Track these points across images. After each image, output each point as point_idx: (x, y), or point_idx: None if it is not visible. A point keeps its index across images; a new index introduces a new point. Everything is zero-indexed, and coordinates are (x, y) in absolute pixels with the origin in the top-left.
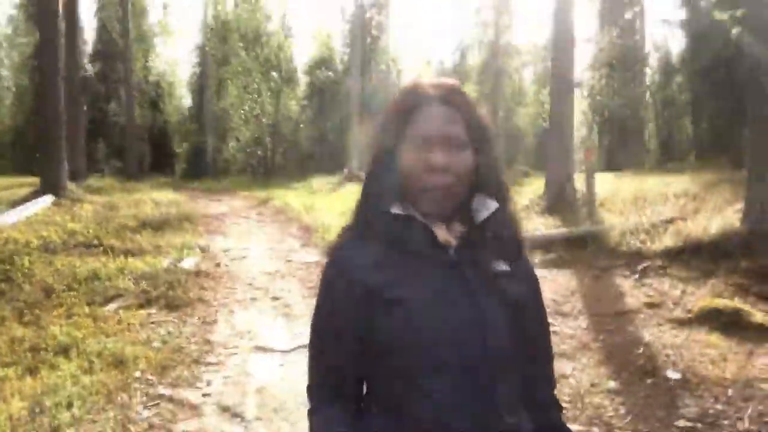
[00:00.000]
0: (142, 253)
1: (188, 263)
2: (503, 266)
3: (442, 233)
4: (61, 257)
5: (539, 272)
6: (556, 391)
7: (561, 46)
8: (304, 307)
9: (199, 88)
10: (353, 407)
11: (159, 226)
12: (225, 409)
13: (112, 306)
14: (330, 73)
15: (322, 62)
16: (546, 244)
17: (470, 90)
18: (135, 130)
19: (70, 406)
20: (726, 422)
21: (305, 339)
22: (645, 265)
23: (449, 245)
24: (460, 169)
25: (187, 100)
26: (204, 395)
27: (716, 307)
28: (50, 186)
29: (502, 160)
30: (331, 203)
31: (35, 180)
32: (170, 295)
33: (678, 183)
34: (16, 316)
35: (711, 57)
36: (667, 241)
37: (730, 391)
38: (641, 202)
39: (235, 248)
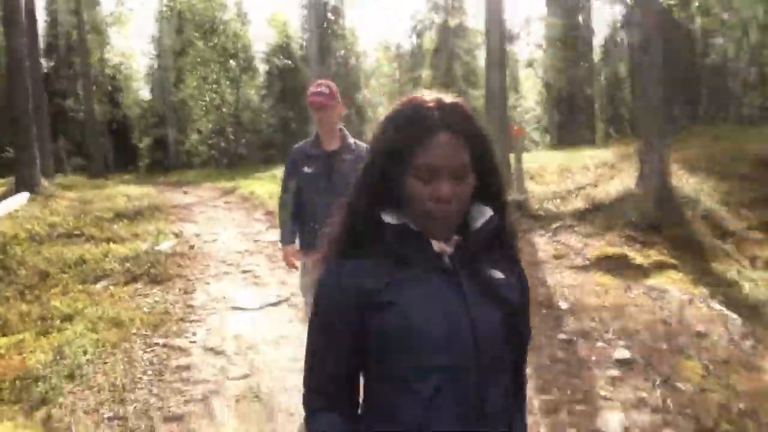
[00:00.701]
0: (121, 240)
1: (165, 246)
2: (498, 273)
3: (436, 243)
4: (48, 246)
5: None
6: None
7: (492, 18)
8: (271, 278)
9: (157, 80)
10: (350, 411)
11: (133, 216)
12: (209, 350)
13: (102, 284)
14: (288, 61)
15: (280, 49)
16: None
17: (425, 74)
18: (95, 125)
19: (85, 352)
20: (595, 334)
21: (272, 299)
22: (558, 224)
23: (444, 253)
24: (464, 197)
25: (144, 92)
26: (191, 342)
27: (608, 254)
28: (25, 184)
29: (501, 168)
30: None
31: (5, 180)
32: (152, 273)
33: (602, 155)
34: (18, 295)
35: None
36: (578, 204)
37: (604, 314)
38: (566, 173)
39: (206, 233)
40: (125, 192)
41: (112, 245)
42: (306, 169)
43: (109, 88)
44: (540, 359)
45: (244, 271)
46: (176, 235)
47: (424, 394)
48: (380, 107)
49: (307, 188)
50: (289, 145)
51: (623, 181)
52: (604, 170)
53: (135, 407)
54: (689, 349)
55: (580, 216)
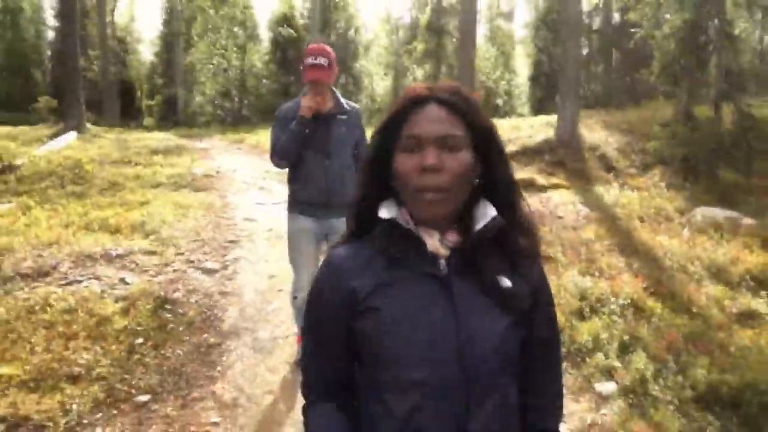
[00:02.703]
0: (161, 166)
1: (198, 171)
2: (504, 280)
3: (431, 243)
4: (108, 167)
5: None
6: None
7: (465, 2)
8: (280, 191)
9: (166, 44)
10: (348, 404)
11: (165, 152)
12: (245, 219)
13: (158, 189)
14: (291, 30)
15: (284, 19)
16: None
17: (419, 47)
18: (109, 84)
19: (163, 219)
20: None
21: (279, 200)
22: None
23: (439, 255)
24: (455, 169)
25: (147, 55)
26: (232, 216)
27: (522, 179)
28: (73, 125)
29: (510, 165)
30: None
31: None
32: (193, 184)
33: (552, 119)
34: (98, 193)
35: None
36: (513, 148)
37: None
38: (515, 130)
39: (225, 166)
40: (151, 137)
41: (156, 168)
42: None
43: (119, 50)
44: None
45: (261, 188)
46: (204, 166)
47: (400, 412)
48: (376, 77)
49: (302, 149)
50: None
51: (548, 133)
52: (545, 128)
53: (207, 236)
54: (550, 223)
55: (512, 156)
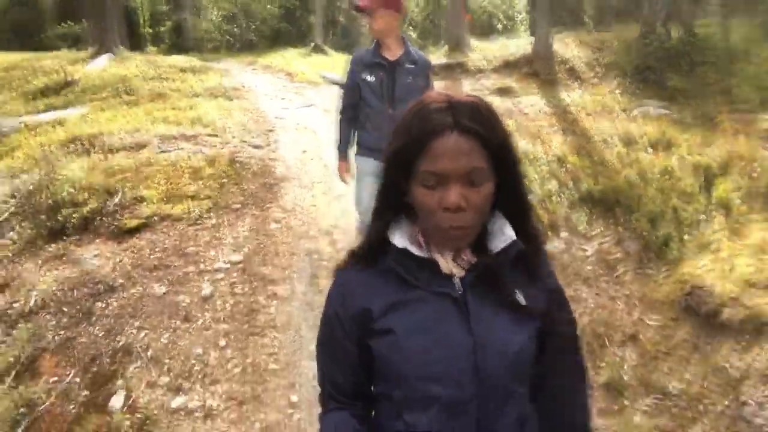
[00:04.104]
0: (195, 82)
1: (226, 84)
2: (519, 297)
3: (445, 263)
4: (150, 82)
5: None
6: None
7: None
8: (295, 99)
9: None
10: (363, 412)
11: (192, 71)
12: (276, 117)
13: (198, 98)
14: None
15: None
16: (434, 69)
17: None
18: (117, 11)
19: (211, 117)
20: None
21: (302, 105)
22: (480, 74)
23: (454, 275)
24: (478, 205)
25: None
26: (266, 116)
27: (500, 86)
28: (106, 48)
29: (524, 179)
30: (303, 64)
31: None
32: (226, 95)
33: None
34: (149, 102)
35: None
36: (497, 63)
37: None
38: (504, 48)
39: (248, 82)
40: (175, 59)
41: (191, 82)
42: (367, 77)
43: None
44: None
45: (282, 98)
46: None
47: (418, 428)
48: None
49: (368, 96)
50: (294, 34)
51: (528, 50)
52: (528, 46)
53: (250, 127)
54: (515, 117)
55: (495, 69)
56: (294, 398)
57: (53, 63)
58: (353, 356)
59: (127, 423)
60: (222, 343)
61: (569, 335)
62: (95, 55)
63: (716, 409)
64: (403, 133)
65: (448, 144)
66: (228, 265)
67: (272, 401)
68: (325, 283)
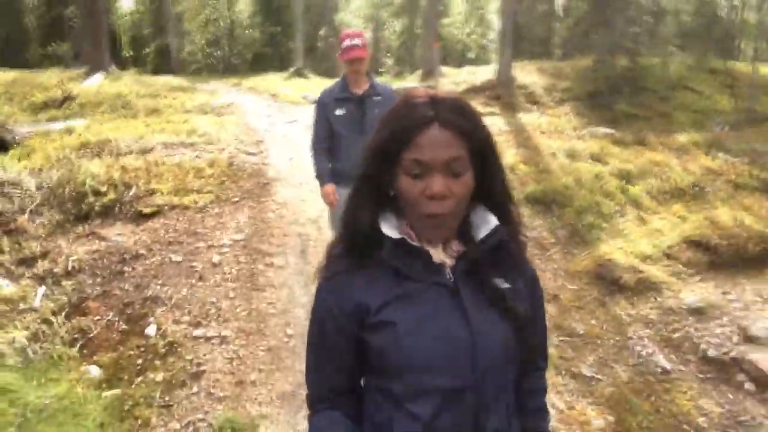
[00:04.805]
0: (185, 99)
1: (215, 102)
2: (504, 283)
3: (436, 254)
4: (144, 99)
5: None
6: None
7: None
8: (280, 116)
9: None
10: (352, 411)
11: (181, 90)
12: (265, 130)
13: (190, 114)
14: None
15: None
16: None
17: (395, 1)
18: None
19: (209, 128)
20: None
21: (287, 120)
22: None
23: (445, 265)
24: (460, 193)
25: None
26: (255, 129)
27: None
28: (98, 67)
29: (505, 170)
30: (285, 86)
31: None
32: (216, 111)
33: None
34: (145, 116)
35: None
36: (462, 87)
37: None
38: (471, 74)
39: (235, 101)
40: (164, 79)
41: (182, 99)
42: (338, 112)
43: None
44: None
45: (268, 115)
46: (218, 99)
47: (421, 417)
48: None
49: (340, 129)
50: (275, 58)
51: (492, 75)
52: (494, 73)
53: (242, 138)
54: None
55: (462, 93)
56: (289, 331)
57: (50, 80)
58: (345, 353)
59: (161, 344)
60: (231, 295)
61: (539, 319)
62: (89, 74)
63: (608, 343)
64: (388, 125)
65: (430, 135)
66: (232, 242)
67: (272, 333)
68: (313, 256)
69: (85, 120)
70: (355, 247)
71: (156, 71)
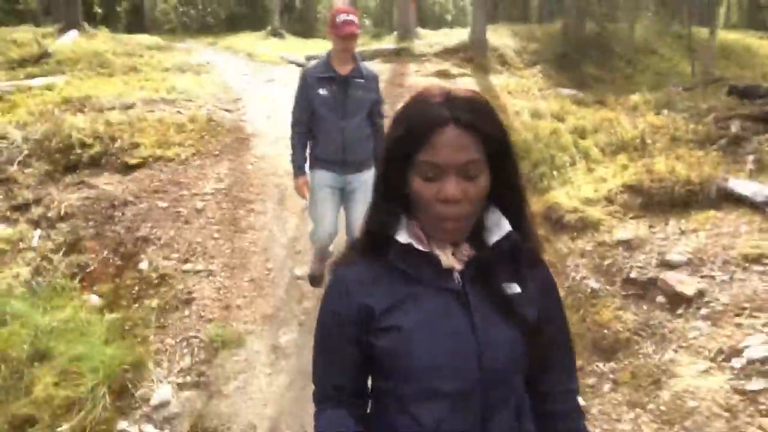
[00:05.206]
0: (162, 58)
1: (193, 60)
2: (515, 288)
3: (445, 258)
4: (122, 57)
5: (379, 66)
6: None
7: None
8: (258, 75)
9: None
10: (358, 410)
11: (158, 48)
12: (242, 89)
13: (168, 72)
14: None
15: None
16: (385, 54)
17: None
18: None
19: (188, 85)
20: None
21: (261, 80)
22: (425, 59)
23: (454, 270)
24: (474, 197)
25: None
26: (232, 87)
27: (440, 70)
28: (72, 24)
29: (520, 171)
30: (262, 46)
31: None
32: (193, 69)
33: None
34: (123, 74)
35: None
36: (438, 48)
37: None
38: (445, 37)
39: (212, 60)
40: (138, 37)
41: (159, 58)
42: (321, 92)
43: None
44: None
45: (244, 74)
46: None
47: (426, 420)
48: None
49: (321, 110)
50: (251, 18)
51: (465, 37)
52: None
53: (220, 96)
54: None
55: (436, 54)
56: (269, 266)
57: (24, 36)
58: (351, 355)
59: (154, 276)
60: (215, 236)
61: (560, 331)
62: (63, 31)
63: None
64: (402, 125)
65: (446, 137)
66: (214, 191)
67: (254, 267)
68: (290, 204)
69: (64, 76)
70: (368, 247)
71: (128, 30)
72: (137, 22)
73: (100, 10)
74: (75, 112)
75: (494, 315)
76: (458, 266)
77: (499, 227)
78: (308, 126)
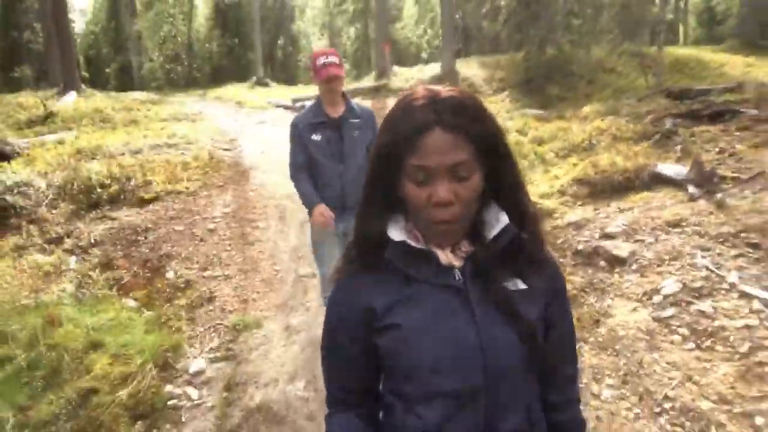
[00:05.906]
0: (158, 111)
1: (187, 111)
2: (518, 283)
3: (444, 255)
4: (121, 113)
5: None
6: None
7: None
8: (248, 119)
9: (112, 13)
10: (369, 412)
11: (152, 103)
12: (237, 132)
13: (166, 122)
14: None
15: None
16: (365, 92)
17: (351, 7)
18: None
19: (186, 132)
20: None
21: (255, 122)
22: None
23: (453, 267)
24: (467, 198)
25: (80, 25)
26: (227, 130)
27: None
28: (70, 86)
29: (516, 164)
30: (248, 94)
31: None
32: (190, 118)
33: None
34: (125, 127)
35: None
36: (413, 82)
37: None
38: (419, 72)
39: (204, 110)
40: (132, 95)
41: (156, 110)
42: (314, 137)
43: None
44: None
45: (235, 120)
46: (189, 109)
47: (431, 419)
48: (312, 37)
49: (317, 156)
50: (235, 70)
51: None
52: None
53: (217, 138)
54: None
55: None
56: (276, 268)
57: (27, 101)
58: (359, 359)
59: (180, 282)
60: (228, 248)
61: (565, 327)
62: (62, 93)
63: None
64: (389, 130)
65: (432, 140)
66: (222, 214)
67: (264, 270)
68: (290, 220)
69: (72, 132)
70: (366, 251)
71: (118, 89)
72: (126, 81)
73: (87, 75)
74: (89, 160)
75: (496, 311)
76: (457, 263)
77: (498, 221)
78: (309, 171)
